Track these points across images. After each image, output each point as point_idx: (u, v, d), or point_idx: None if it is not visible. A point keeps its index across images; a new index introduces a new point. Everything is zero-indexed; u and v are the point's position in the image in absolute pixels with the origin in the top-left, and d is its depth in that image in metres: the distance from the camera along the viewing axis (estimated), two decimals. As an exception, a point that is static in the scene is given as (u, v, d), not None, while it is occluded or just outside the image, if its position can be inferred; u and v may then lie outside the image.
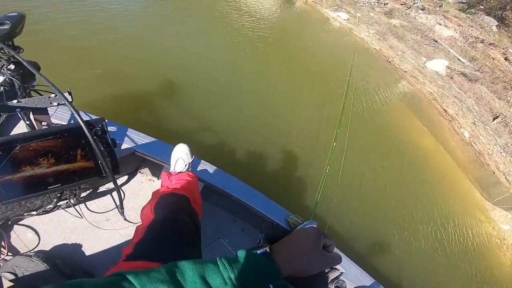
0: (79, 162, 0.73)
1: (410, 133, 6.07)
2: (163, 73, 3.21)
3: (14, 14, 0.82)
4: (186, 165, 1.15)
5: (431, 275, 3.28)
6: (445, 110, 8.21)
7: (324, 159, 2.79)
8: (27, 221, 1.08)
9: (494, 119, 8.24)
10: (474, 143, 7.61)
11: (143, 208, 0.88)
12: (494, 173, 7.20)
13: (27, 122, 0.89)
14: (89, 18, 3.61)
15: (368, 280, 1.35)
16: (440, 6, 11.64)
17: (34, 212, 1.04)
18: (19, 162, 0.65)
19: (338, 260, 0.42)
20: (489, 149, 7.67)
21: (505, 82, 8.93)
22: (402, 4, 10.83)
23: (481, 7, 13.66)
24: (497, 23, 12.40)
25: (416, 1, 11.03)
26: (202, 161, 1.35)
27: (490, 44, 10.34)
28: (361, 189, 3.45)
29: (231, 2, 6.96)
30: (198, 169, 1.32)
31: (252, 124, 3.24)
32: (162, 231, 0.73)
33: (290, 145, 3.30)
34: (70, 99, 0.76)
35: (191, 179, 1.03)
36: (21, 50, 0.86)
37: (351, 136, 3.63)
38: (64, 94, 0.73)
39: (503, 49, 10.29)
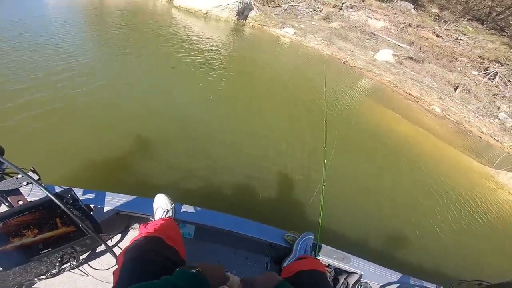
0: (61, 228, 0.84)
1: (387, 123, 6.11)
2: (130, 130, 3.17)
3: None
4: (164, 212, 1.25)
5: (469, 258, 3.16)
6: (409, 94, 8.60)
7: (318, 176, 2.87)
8: (39, 284, 1.16)
9: (455, 90, 8.92)
10: (448, 115, 7.95)
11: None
12: (480, 137, 7.44)
13: (6, 204, 0.94)
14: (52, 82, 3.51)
15: (390, 274, 1.39)
16: (363, 1, 12.83)
17: (43, 276, 1.13)
18: (6, 235, 0.77)
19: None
20: (464, 117, 8.07)
21: (447, 56, 9.89)
22: (334, 7, 11.62)
23: (395, -6, 15.53)
24: (413, 6, 14.13)
25: (344, 1, 11.96)
26: (188, 205, 1.43)
27: (417, 26, 11.53)
28: (360, 190, 3.45)
29: (184, 48, 6.62)
30: (186, 213, 1.39)
31: (235, 159, 3.21)
32: (130, 272, 0.79)
33: (280, 170, 3.24)
34: (36, 177, 0.83)
35: (165, 222, 1.12)
36: None
37: (337, 145, 3.70)
38: (29, 172, 0.82)
39: (430, 28, 11.56)
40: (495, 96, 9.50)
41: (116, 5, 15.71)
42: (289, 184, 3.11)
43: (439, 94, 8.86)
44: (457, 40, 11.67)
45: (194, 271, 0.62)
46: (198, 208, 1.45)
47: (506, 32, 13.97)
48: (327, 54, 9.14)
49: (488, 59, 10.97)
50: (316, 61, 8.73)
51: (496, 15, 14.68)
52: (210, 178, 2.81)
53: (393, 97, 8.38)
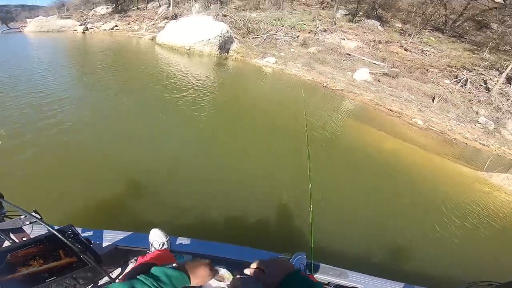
0: (64, 259, 0.94)
1: (373, 142, 6.23)
2: (123, 171, 3.34)
3: None
4: (160, 245, 1.33)
5: (477, 262, 3.16)
6: (390, 110, 9.02)
7: (306, 201, 2.79)
8: None
9: (433, 100, 9.45)
10: (431, 126, 8.19)
11: None
12: (466, 144, 7.63)
13: (10, 241, 1.03)
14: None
15: (391, 285, 1.42)
16: (334, 24, 13.79)
17: None
18: (14, 265, 0.87)
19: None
20: (446, 126, 8.32)
21: (418, 68, 10.60)
22: (309, 32, 12.37)
23: (360, 13, 16.83)
24: (379, 23, 15.32)
25: (317, 26, 12.80)
26: (183, 237, 1.53)
27: (386, 42, 12.43)
28: (351, 208, 3.49)
29: (170, 86, 6.75)
30: (182, 245, 1.48)
31: (225, 191, 3.33)
32: None
33: (269, 198, 3.36)
34: (38, 217, 0.94)
35: (161, 252, 1.23)
36: None
37: (325, 168, 3.95)
38: (32, 213, 0.93)
39: (397, 42, 12.48)
40: (471, 102, 10.08)
41: (99, 44, 15.93)
42: (279, 209, 3.22)
43: (419, 107, 9.34)
44: (424, 52, 12.62)
45: (169, 267, 0.65)
46: (193, 239, 1.54)
47: (466, 38, 15.28)
48: (308, 80, 9.58)
49: (455, 66, 11.84)
50: (299, 88, 9.06)
51: (452, 23, 16.12)
52: (202, 211, 2.93)
53: (376, 115, 8.71)
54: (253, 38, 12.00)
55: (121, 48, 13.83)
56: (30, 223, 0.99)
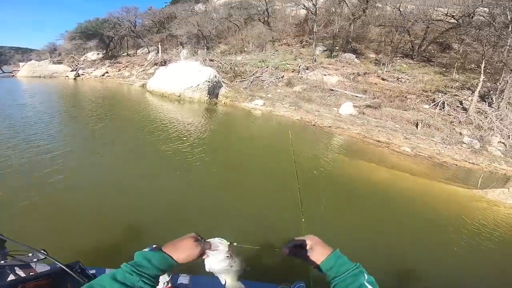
0: None
1: (365, 174, 6.32)
2: (123, 215, 3.54)
3: None
4: (164, 283, 1.48)
5: (489, 277, 3.16)
6: (378, 141, 9.35)
7: (300, 233, 2.89)
8: None
9: (417, 126, 9.92)
10: (419, 152, 8.44)
11: None
12: (456, 165, 7.83)
13: (16, 277, 1.11)
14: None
15: None
16: (314, 61, 14.87)
17: None
18: None
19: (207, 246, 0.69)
20: (434, 150, 8.59)
21: (397, 96, 11.30)
22: (293, 71, 13.23)
23: (336, 48, 18.31)
24: (355, 55, 16.65)
25: (299, 64, 13.75)
26: (185, 274, 1.65)
27: (364, 73, 13.37)
28: (348, 240, 3.49)
29: (163, 135, 6.87)
30: (184, 283, 1.63)
31: (221, 229, 3.39)
32: None
33: (264, 235, 3.43)
34: (45, 254, 1.06)
35: None
36: None
37: (316, 204, 4.01)
38: (40, 250, 1.06)
39: (374, 73, 13.44)
40: (452, 124, 10.61)
41: (91, 92, 16.27)
42: (275, 241, 3.20)
43: (404, 135, 9.74)
44: (399, 79, 13.57)
45: (148, 249, 0.65)
46: (194, 276, 1.63)
47: (433, 61, 16.65)
48: (297, 119, 9.99)
49: (430, 90, 12.68)
50: (288, 129, 9.42)
51: (418, 48, 17.68)
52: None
53: (365, 147, 8.99)
54: (240, 81, 12.69)
55: (113, 96, 14.20)
56: (38, 260, 1.07)
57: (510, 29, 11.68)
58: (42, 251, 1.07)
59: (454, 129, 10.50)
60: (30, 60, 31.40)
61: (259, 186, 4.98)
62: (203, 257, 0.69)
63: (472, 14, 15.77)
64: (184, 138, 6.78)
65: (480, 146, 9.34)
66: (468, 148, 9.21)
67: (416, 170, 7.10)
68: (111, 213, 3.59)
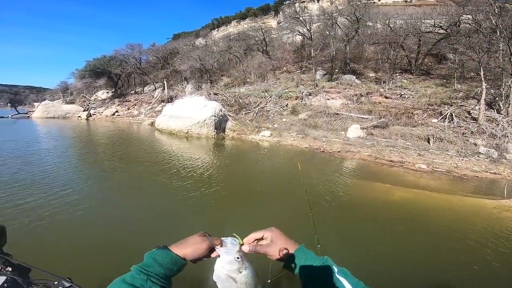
0: None
1: (382, 196, 6.09)
2: (138, 249, 3.25)
3: None
4: None
5: None
6: (391, 161, 9.17)
7: None
8: None
9: (429, 142, 9.74)
10: (436, 168, 8.22)
11: None
12: (477, 176, 7.55)
13: None
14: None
15: None
16: (316, 86, 15.27)
17: None
18: None
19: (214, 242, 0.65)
20: (451, 164, 8.37)
21: (403, 113, 11.29)
22: (296, 98, 13.56)
23: (336, 70, 18.89)
24: (355, 76, 17.06)
25: (302, 91, 14.12)
26: None
27: (367, 94, 13.55)
28: (371, 265, 3.25)
29: (174, 174, 6.88)
30: None
31: None
32: None
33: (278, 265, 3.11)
34: (70, 282, 1.10)
35: None
36: (11, 256, 1.21)
37: (332, 231, 3.89)
38: (65, 278, 1.10)
39: (376, 92, 13.61)
40: (464, 135, 10.39)
41: (103, 132, 16.91)
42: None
43: (417, 151, 9.56)
44: (402, 96, 13.66)
45: (155, 248, 0.62)
46: None
47: (433, 74, 16.82)
48: (305, 147, 10.03)
49: (435, 104, 12.65)
50: (297, 158, 9.41)
51: (415, 62, 18.01)
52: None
53: (378, 169, 8.79)
54: (245, 113, 13.05)
55: (124, 136, 14.76)
56: None
57: (498, 33, 11.85)
58: (67, 279, 1.09)
59: (467, 140, 10.28)
60: (44, 99, 33.42)
61: (270, 217, 4.90)
62: (213, 255, 0.65)
63: (458, 23, 16.23)
64: (195, 176, 6.87)
65: (498, 155, 9.08)
66: (486, 158, 8.95)
67: (436, 187, 6.90)
68: (132, 248, 3.54)
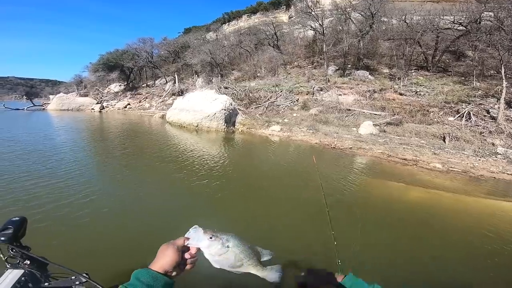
0: None
1: (396, 195, 5.99)
2: (153, 241, 3.40)
3: (16, 218, 1.13)
4: None
5: None
6: (404, 159, 8.94)
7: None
8: None
9: (444, 140, 9.43)
10: (452, 168, 7.98)
11: None
12: (494, 178, 7.33)
13: None
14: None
15: None
16: (328, 81, 15.01)
17: None
18: None
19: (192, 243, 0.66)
20: (467, 164, 8.11)
21: (419, 110, 10.96)
22: (307, 94, 13.40)
23: (349, 66, 18.48)
24: (368, 72, 16.65)
25: (313, 86, 13.92)
26: None
27: (380, 90, 13.21)
28: (390, 267, 3.25)
29: (185, 168, 6.91)
30: None
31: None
32: None
33: (293, 260, 3.16)
34: (87, 277, 1.08)
35: None
36: (29, 249, 1.16)
37: (348, 231, 3.86)
38: (83, 273, 1.07)
39: (390, 88, 13.25)
40: (482, 134, 10.02)
41: (115, 124, 17.31)
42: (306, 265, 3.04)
43: (432, 150, 9.27)
44: (418, 93, 13.26)
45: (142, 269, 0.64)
46: None
47: (450, 71, 16.19)
48: (316, 143, 9.93)
49: (453, 101, 12.22)
50: (308, 153, 9.34)
51: (432, 58, 17.34)
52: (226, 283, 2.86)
53: (391, 167, 8.60)
54: (255, 107, 13.01)
55: (136, 128, 15.05)
56: (80, 283, 1.08)
57: (520, 31, 11.24)
58: (84, 274, 1.10)
59: (485, 139, 9.93)
60: (59, 92, 34.36)
61: (285, 216, 4.87)
62: (189, 255, 0.65)
63: (478, 20, 15.49)
64: (205, 170, 6.95)
65: (517, 156, 8.68)
66: (504, 159, 8.63)
67: (452, 187, 6.72)
68: (151, 244, 3.69)
